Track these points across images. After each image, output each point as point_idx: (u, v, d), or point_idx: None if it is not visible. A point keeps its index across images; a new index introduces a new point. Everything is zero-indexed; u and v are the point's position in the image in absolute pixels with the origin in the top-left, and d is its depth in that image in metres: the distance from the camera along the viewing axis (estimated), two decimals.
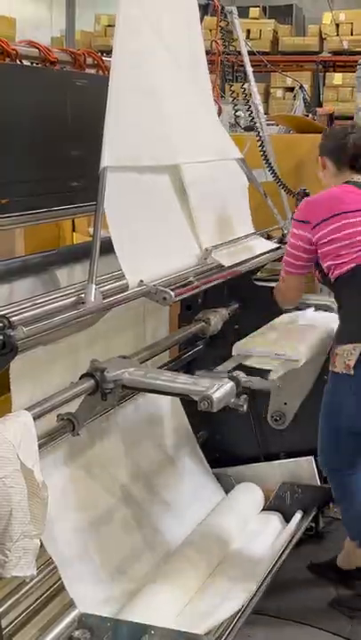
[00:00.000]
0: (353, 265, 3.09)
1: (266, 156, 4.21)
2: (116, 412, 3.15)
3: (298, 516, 3.60)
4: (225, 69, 4.15)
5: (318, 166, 3.36)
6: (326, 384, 3.27)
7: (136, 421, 3.34)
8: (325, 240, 3.12)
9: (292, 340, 3.39)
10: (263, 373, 3.18)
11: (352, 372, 3.08)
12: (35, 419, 2.28)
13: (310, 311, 3.78)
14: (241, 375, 2.69)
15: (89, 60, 3.29)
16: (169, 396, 3.21)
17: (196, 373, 3.45)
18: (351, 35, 15.41)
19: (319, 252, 3.15)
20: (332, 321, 3.51)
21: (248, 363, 3.23)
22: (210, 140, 3.59)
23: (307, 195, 4.19)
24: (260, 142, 4.17)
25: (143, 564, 3.05)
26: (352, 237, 3.10)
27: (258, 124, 4.15)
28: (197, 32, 3.55)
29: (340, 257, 3.10)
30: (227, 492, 3.73)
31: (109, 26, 15.87)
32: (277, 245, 3.78)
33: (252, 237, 3.66)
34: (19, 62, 2.91)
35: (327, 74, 16.09)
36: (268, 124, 4.80)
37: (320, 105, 13.83)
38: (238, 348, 3.30)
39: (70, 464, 2.91)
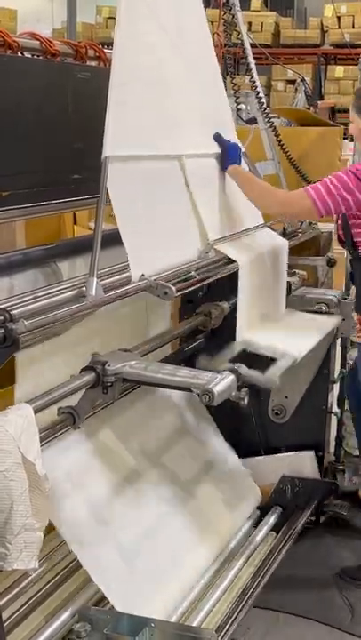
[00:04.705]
0: None
1: (284, 147, 4.21)
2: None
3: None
4: (226, 62, 4.12)
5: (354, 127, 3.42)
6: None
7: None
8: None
9: (293, 336, 3.39)
10: (264, 368, 3.16)
11: None
12: (35, 412, 2.28)
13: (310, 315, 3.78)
14: (242, 369, 2.67)
15: (90, 53, 3.27)
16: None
17: (198, 359, 3.40)
18: (353, 27, 15.41)
19: (351, 222, 3.30)
20: (330, 324, 3.61)
21: (251, 350, 3.21)
22: (213, 130, 3.56)
23: None
24: (274, 132, 4.16)
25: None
26: None
27: (262, 116, 4.12)
28: (202, 18, 3.52)
29: None
30: None
31: (111, 18, 15.87)
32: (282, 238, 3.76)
33: (257, 229, 3.63)
34: (20, 54, 2.90)
35: (328, 67, 16.09)
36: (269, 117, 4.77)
37: (321, 98, 13.81)
38: (241, 335, 3.26)
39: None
